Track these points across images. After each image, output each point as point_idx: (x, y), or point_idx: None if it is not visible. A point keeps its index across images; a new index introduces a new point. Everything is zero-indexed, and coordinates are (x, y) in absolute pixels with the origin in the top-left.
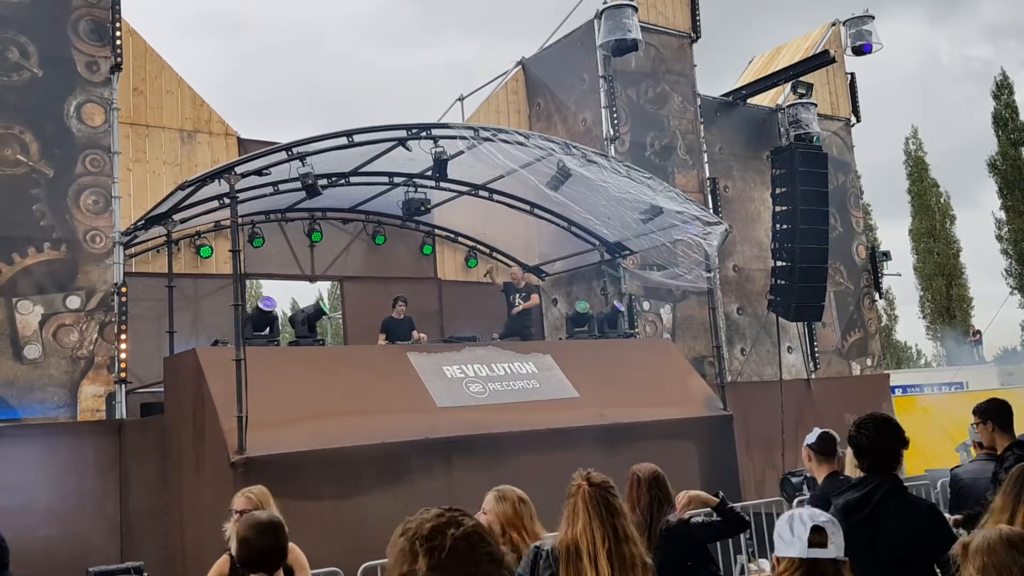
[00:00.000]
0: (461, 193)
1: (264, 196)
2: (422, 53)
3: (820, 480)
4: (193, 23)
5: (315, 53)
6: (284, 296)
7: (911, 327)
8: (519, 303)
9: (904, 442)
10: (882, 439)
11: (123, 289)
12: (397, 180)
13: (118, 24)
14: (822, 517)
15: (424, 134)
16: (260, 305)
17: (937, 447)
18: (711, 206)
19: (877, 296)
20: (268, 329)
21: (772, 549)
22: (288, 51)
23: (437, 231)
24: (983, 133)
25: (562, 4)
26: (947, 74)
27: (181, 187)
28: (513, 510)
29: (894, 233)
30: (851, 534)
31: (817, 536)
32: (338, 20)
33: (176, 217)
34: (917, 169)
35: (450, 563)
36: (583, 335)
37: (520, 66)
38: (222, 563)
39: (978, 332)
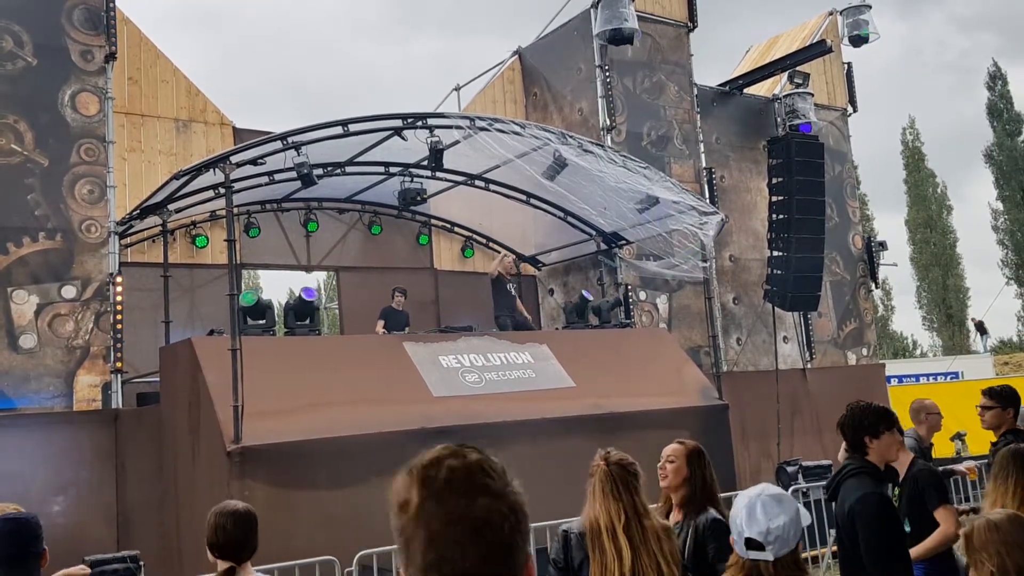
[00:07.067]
0: (457, 183)
1: (260, 186)
2: (405, 45)
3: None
4: (175, 16)
5: (297, 46)
6: (281, 286)
7: (908, 317)
8: (515, 292)
9: (868, 430)
10: (846, 425)
11: (118, 279)
12: (393, 170)
13: (112, 13)
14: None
15: (420, 124)
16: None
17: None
18: (707, 196)
19: (873, 286)
20: (263, 319)
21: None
22: (271, 44)
23: (433, 221)
24: (965, 123)
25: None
26: (925, 65)
27: (176, 176)
28: None
29: (890, 223)
30: (830, 510)
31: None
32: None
33: (171, 207)
34: (914, 159)
35: (446, 493)
36: (579, 325)
37: (517, 55)
38: None
39: (982, 323)
